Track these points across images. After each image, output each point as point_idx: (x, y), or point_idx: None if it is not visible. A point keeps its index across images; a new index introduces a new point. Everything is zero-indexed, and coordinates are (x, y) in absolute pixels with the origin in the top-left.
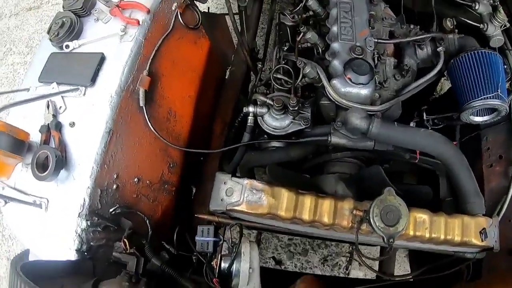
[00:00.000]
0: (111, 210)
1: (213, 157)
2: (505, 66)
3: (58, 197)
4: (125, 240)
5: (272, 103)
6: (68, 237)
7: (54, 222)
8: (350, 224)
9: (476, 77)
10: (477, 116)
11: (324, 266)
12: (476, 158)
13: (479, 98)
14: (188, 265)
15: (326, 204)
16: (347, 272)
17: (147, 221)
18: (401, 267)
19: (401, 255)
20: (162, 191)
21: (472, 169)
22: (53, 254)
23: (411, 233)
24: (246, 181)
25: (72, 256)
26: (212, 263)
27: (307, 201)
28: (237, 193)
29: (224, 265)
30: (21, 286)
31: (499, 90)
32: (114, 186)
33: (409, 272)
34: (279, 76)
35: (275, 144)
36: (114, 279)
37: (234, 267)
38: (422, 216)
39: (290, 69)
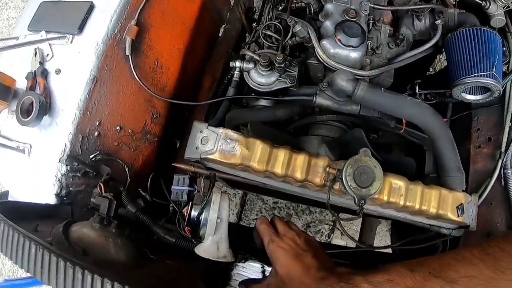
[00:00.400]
0: (91, 156)
1: (199, 111)
2: (504, 49)
3: (40, 142)
4: (101, 184)
5: (258, 58)
6: (48, 181)
7: (35, 167)
8: (322, 182)
9: (472, 54)
10: (469, 94)
11: (306, 232)
12: (465, 138)
13: (473, 75)
14: (164, 214)
15: (300, 159)
16: (328, 240)
17: (127, 169)
18: (383, 241)
19: (383, 229)
20: (144, 141)
21: (459, 148)
22: (33, 198)
23: (385, 198)
24: (221, 130)
25: (51, 200)
26: (183, 211)
27: (281, 154)
28: (211, 142)
29: (194, 213)
30: None
31: (494, 70)
32: (96, 133)
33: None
34: (269, 33)
35: (262, 103)
36: (86, 221)
37: (203, 216)
38: (398, 182)
39: (281, 27)
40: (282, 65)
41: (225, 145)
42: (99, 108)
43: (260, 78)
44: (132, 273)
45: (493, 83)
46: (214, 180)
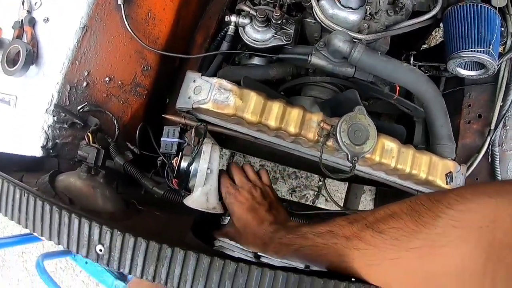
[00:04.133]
0: (79, 107)
1: (190, 66)
2: (502, 29)
3: (27, 93)
4: (89, 134)
5: (255, 14)
6: (34, 133)
7: (21, 118)
8: (316, 137)
9: (470, 29)
10: (464, 69)
11: (291, 196)
12: (455, 113)
13: (469, 50)
14: (152, 168)
15: (294, 113)
16: (313, 205)
17: (115, 121)
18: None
19: (367, 198)
20: (133, 93)
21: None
22: (18, 151)
23: (377, 159)
24: (215, 80)
25: (37, 153)
26: (172, 162)
27: (275, 107)
28: (205, 92)
29: (184, 164)
30: None
31: (491, 47)
32: (84, 84)
33: None
34: None
35: (255, 61)
36: (73, 171)
37: (193, 167)
38: (390, 144)
39: None
40: (279, 22)
41: (219, 95)
42: (88, 58)
43: (256, 34)
44: (119, 224)
45: (489, 60)
46: (206, 130)
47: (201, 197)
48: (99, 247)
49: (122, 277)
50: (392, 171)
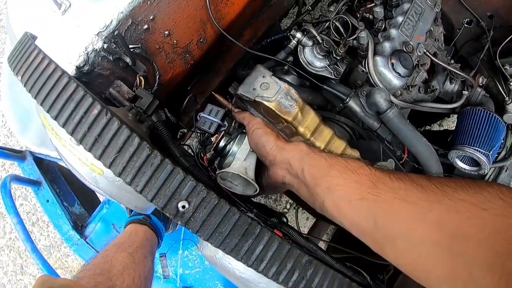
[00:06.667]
0: (131, 46)
1: (230, 58)
2: (502, 141)
3: (83, 7)
4: (141, 77)
5: (321, 40)
6: (74, 50)
7: (66, 30)
8: None
9: (480, 131)
10: (461, 162)
11: None
12: None
13: (474, 147)
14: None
15: (338, 143)
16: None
17: (157, 76)
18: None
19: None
20: (181, 58)
21: None
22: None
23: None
24: (285, 85)
25: (70, 71)
26: (212, 138)
27: (326, 132)
28: (272, 91)
29: (222, 143)
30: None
31: (490, 152)
32: (145, 26)
33: None
34: (337, 24)
35: (289, 79)
36: (120, 107)
37: (231, 147)
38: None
39: (350, 22)
40: (338, 58)
41: (284, 100)
42: (160, 4)
43: (312, 58)
44: None
45: (486, 162)
46: None
47: (240, 169)
48: (183, 203)
49: (79, 230)
50: None
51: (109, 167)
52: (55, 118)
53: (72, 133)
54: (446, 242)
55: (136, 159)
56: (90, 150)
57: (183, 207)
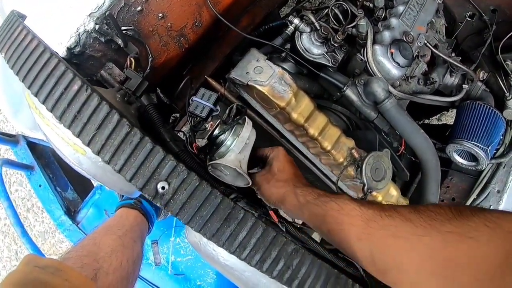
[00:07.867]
0: (124, 28)
1: (227, 43)
2: (501, 137)
3: None
4: (132, 59)
5: (319, 27)
6: (66, 31)
7: (58, 10)
8: (342, 160)
9: (479, 126)
10: (459, 156)
11: None
12: None
13: (472, 141)
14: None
15: (333, 131)
16: None
17: (150, 59)
18: None
19: None
20: (175, 41)
21: None
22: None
23: (379, 198)
24: (278, 69)
25: (60, 52)
26: (206, 125)
27: (320, 118)
28: (265, 75)
29: (217, 131)
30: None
31: (489, 148)
32: (139, 8)
33: None
34: (336, 11)
35: (286, 67)
36: (108, 88)
37: (225, 136)
38: (394, 192)
39: (349, 9)
40: (336, 45)
41: (278, 84)
42: None
43: (310, 45)
44: None
45: (484, 157)
46: (246, 110)
47: (235, 162)
48: (162, 184)
49: (71, 216)
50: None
51: (88, 144)
52: (36, 94)
53: (51, 110)
54: (439, 271)
55: (115, 136)
56: (69, 127)
57: (163, 188)
